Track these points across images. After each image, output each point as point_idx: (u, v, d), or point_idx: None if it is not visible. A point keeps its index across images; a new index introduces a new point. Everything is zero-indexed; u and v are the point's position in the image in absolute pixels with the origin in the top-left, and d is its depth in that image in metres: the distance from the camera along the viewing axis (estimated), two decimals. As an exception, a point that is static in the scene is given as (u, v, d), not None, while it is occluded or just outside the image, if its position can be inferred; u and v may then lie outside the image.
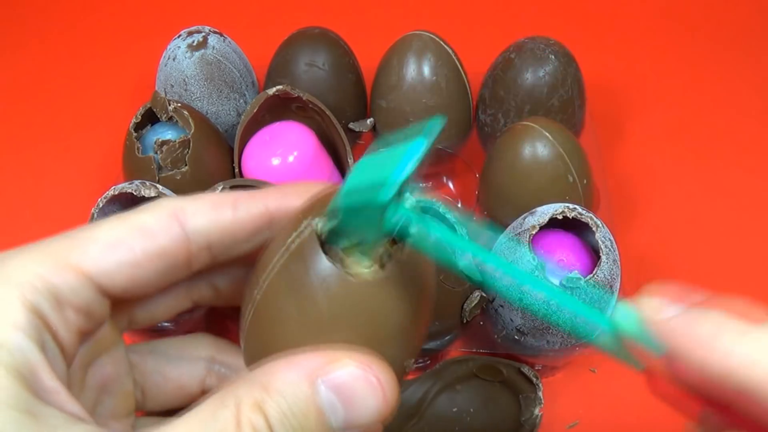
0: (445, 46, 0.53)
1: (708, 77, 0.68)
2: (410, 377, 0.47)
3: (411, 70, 0.52)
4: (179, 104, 0.50)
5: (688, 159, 0.62)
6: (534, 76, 0.51)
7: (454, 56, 0.54)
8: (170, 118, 0.50)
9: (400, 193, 0.22)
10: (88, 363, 0.27)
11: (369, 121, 0.55)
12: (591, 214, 0.41)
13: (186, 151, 0.48)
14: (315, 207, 0.24)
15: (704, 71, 0.69)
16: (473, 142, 0.57)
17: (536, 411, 0.45)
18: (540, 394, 0.45)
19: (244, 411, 0.22)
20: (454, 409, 0.47)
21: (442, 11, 0.71)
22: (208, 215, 0.26)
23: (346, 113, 0.55)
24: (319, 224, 0.23)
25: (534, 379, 0.45)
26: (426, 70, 0.52)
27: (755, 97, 0.67)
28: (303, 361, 0.23)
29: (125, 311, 0.28)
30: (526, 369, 0.45)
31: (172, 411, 0.31)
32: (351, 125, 0.55)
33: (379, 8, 0.71)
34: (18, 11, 0.74)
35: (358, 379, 0.23)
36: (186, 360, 0.31)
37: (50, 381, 0.22)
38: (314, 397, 0.22)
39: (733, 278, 0.54)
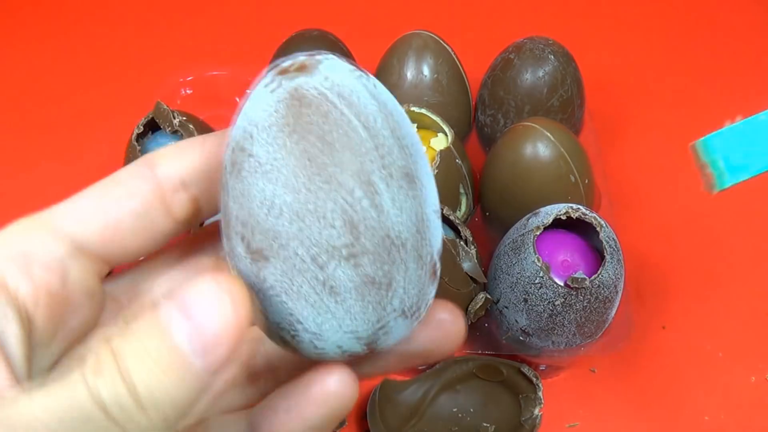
0: (445, 45, 0.53)
1: (708, 77, 0.69)
2: (410, 377, 0.47)
3: (411, 69, 0.52)
4: (184, 117, 0.49)
5: (688, 158, 0.62)
6: (533, 76, 0.51)
7: (453, 55, 0.54)
8: (174, 131, 0.49)
9: None
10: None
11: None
12: (595, 214, 0.41)
13: None
14: None
15: (704, 71, 0.69)
16: (473, 142, 0.57)
17: (536, 411, 0.45)
18: (540, 394, 0.45)
19: (94, 350, 0.20)
20: (454, 409, 0.47)
21: (441, 12, 0.71)
22: (176, 154, 0.25)
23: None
24: None
25: (534, 379, 0.45)
26: (426, 68, 0.52)
27: (755, 97, 0.67)
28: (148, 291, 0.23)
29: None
30: (526, 369, 0.46)
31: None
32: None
33: (378, 10, 0.71)
34: (21, 14, 0.74)
35: (197, 286, 0.20)
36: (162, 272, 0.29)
37: None
38: (156, 315, 0.20)
39: (734, 277, 0.55)
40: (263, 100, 0.21)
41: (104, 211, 0.24)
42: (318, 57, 0.22)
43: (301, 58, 0.21)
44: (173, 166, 0.25)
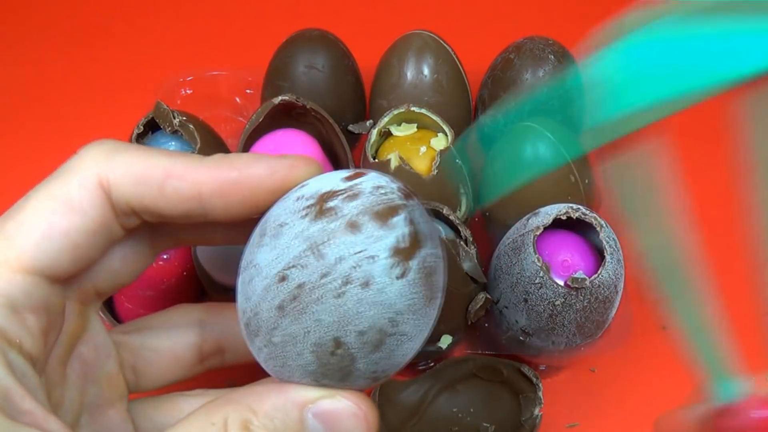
0: (445, 45, 0.53)
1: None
2: (410, 377, 0.47)
3: (411, 69, 0.52)
4: (184, 117, 0.49)
5: (689, 158, 0.62)
6: (533, 76, 0.51)
7: (453, 55, 0.54)
8: (174, 131, 0.49)
9: None
10: (66, 358, 0.26)
11: (368, 122, 0.55)
12: (595, 214, 0.41)
13: None
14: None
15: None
16: (472, 143, 0.57)
17: (536, 411, 0.45)
18: (540, 394, 0.45)
19: (231, 430, 0.22)
20: (454, 409, 0.47)
21: (441, 13, 0.70)
22: (133, 190, 0.25)
23: (346, 115, 0.55)
24: None
25: (534, 379, 0.45)
26: (426, 68, 0.52)
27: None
28: (294, 390, 0.24)
29: (86, 289, 0.27)
30: (526, 369, 0.45)
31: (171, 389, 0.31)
32: (350, 127, 0.55)
33: (378, 10, 0.70)
34: (20, 14, 0.74)
35: (344, 410, 0.24)
36: (176, 329, 0.31)
37: (24, 402, 0.22)
38: (302, 424, 0.24)
39: (735, 277, 0.54)
40: (394, 286, 0.23)
41: (73, 245, 0.25)
42: (398, 208, 0.24)
43: (401, 230, 0.24)
44: (129, 197, 0.26)
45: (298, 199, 0.24)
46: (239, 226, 0.27)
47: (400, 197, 0.24)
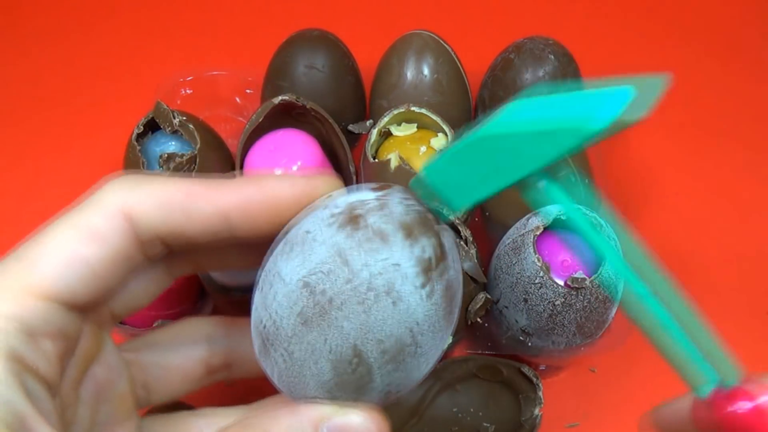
0: (445, 45, 0.54)
1: (708, 76, 0.68)
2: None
3: (411, 69, 0.52)
4: (184, 117, 0.49)
5: (689, 158, 0.62)
6: (533, 76, 0.51)
7: (453, 55, 0.54)
8: (174, 131, 0.49)
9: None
10: (79, 379, 0.26)
11: (368, 122, 0.55)
12: (595, 214, 0.41)
13: (193, 167, 0.47)
14: None
15: (704, 71, 0.69)
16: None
17: (536, 411, 0.45)
18: (540, 394, 0.45)
19: None
20: (454, 409, 0.47)
21: (441, 12, 0.71)
22: (158, 217, 0.25)
23: (346, 115, 0.55)
24: None
25: (534, 379, 0.45)
26: (426, 68, 0.52)
27: (756, 96, 0.67)
28: (307, 408, 0.24)
29: (102, 312, 0.27)
30: (526, 369, 0.45)
31: (180, 403, 0.31)
32: (350, 127, 0.55)
33: (378, 10, 0.71)
34: (20, 14, 0.74)
35: (359, 425, 0.24)
36: (185, 345, 0.31)
37: (39, 427, 0.22)
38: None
39: (734, 277, 0.55)
40: (416, 296, 0.23)
41: (93, 274, 0.25)
42: (432, 224, 0.24)
43: (428, 242, 0.23)
44: (155, 225, 0.26)
45: (325, 208, 0.24)
46: (255, 250, 0.27)
47: (428, 211, 0.24)
